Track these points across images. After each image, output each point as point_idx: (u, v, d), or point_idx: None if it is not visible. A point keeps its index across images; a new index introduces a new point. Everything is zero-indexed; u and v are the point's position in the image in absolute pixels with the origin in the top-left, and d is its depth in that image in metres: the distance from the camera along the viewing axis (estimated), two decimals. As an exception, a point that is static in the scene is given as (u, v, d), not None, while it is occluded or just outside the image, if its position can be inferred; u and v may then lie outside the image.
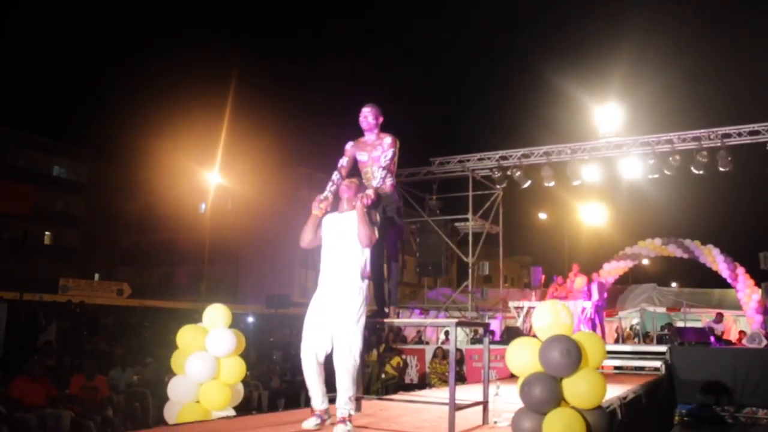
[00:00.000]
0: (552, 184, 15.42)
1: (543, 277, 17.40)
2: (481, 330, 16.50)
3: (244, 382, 6.28)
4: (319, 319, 4.70)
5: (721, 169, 14.04)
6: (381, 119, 5.51)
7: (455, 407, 5.00)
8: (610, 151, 14.96)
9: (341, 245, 4.79)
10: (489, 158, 15.92)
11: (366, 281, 4.83)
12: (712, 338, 13.57)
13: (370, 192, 4.99)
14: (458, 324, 5.59)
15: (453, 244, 16.62)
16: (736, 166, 14.03)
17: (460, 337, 17.32)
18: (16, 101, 49.56)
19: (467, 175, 16.20)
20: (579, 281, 16.10)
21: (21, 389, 8.17)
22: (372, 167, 5.46)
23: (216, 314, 5.92)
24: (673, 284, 24.10)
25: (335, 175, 5.44)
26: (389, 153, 5.42)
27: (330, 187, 5.32)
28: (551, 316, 4.86)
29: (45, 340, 12.32)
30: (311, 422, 4.68)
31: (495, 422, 5.51)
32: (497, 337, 16.77)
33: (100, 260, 40.65)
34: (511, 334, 15.70)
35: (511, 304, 16.57)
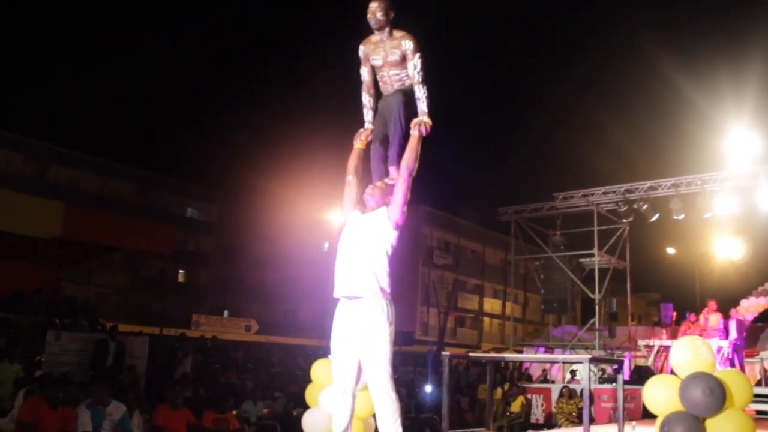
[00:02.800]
0: (681, 216, 14.84)
1: (674, 314, 16.67)
2: (609, 369, 16.02)
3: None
4: (347, 351, 4.38)
5: None
6: (393, 14, 4.80)
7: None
8: (745, 181, 14.25)
9: (362, 250, 4.40)
10: (614, 192, 15.55)
11: (388, 296, 4.38)
12: None
13: (426, 119, 4.66)
14: (591, 361, 5.51)
15: (578, 280, 16.22)
16: None
17: (592, 377, 16.82)
18: (152, 145, 53.10)
19: (592, 209, 15.87)
20: (714, 318, 15.30)
21: (164, 418, 8.66)
22: (388, 72, 4.89)
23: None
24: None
25: (365, 98, 5.04)
26: (418, 62, 4.76)
27: (366, 116, 5.03)
28: (690, 352, 4.71)
29: (182, 373, 12.97)
30: None
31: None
32: (626, 377, 16.17)
33: (229, 297, 42.44)
34: (641, 373, 15.12)
35: (641, 342, 15.98)
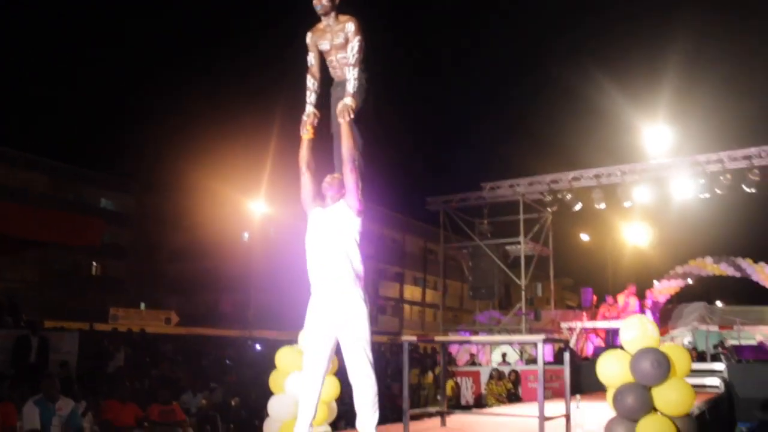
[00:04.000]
0: (603, 206, 15.62)
1: (595, 297, 17.52)
2: (532, 351, 16.69)
3: (339, 399, 6.58)
4: (321, 337, 4.46)
5: (774, 186, 14.13)
6: None
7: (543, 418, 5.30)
8: (661, 172, 15.13)
9: (331, 244, 4.50)
10: (539, 182, 16.17)
11: (363, 282, 4.53)
12: (770, 355, 13.59)
13: (349, 101, 4.70)
14: (545, 341, 5.86)
15: (505, 267, 16.80)
16: (788, 183, 14.09)
17: (513, 358, 17.47)
18: (63, 135, 51.12)
19: (518, 199, 16.44)
20: (632, 301, 16.23)
21: (113, 412, 8.59)
22: (336, 56, 4.96)
23: (312, 336, 6.26)
24: (718, 302, 23.97)
25: (309, 81, 5.04)
26: (356, 44, 4.83)
27: (308, 98, 5.01)
28: (639, 330, 5.16)
29: (116, 367, 12.79)
30: None
31: (578, 432, 5.81)
32: (549, 358, 16.90)
33: (147, 289, 41.49)
34: (563, 355, 15.85)
35: (563, 325, 16.71)
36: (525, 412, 8.53)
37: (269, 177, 30.80)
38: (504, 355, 17.23)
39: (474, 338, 11.87)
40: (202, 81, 61.49)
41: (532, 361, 15.84)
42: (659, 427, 4.78)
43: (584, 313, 17.22)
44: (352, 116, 4.70)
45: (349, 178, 4.57)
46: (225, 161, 45.23)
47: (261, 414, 12.30)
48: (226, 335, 28.04)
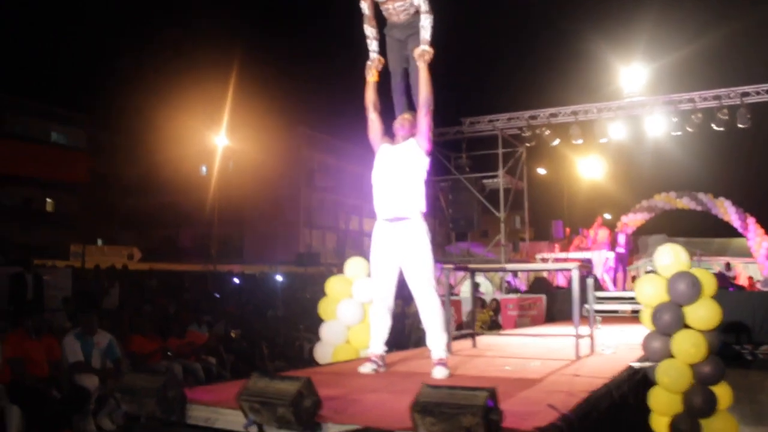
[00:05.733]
0: (580, 141, 16.19)
1: (568, 229, 18.32)
2: (511, 281, 17.49)
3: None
4: (388, 266, 4.77)
5: (740, 125, 14.87)
6: None
7: (577, 336, 5.87)
8: (635, 110, 15.73)
9: (400, 177, 4.74)
10: (518, 118, 16.60)
11: (425, 216, 4.78)
12: (726, 283, 14.62)
13: (428, 48, 4.88)
14: (579, 268, 6.36)
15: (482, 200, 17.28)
16: (754, 123, 14.85)
17: (490, 289, 18.25)
18: (9, 66, 48.88)
19: (496, 134, 16.86)
20: (602, 233, 17.06)
21: (138, 344, 8.87)
22: (393, 5, 5.08)
23: (358, 266, 6.64)
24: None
25: (367, 30, 5.17)
26: None
27: (370, 45, 5.16)
28: (672, 256, 5.73)
29: (117, 303, 12.91)
30: (368, 367, 4.76)
31: (602, 350, 6.41)
32: (524, 288, 17.71)
33: (102, 225, 40.83)
34: (540, 284, 16.65)
35: (538, 256, 17.48)
36: (542, 332, 9.20)
37: (227, 108, 30.30)
38: (477, 285, 17.92)
39: (510, 266, 12.39)
40: (157, 14, 59.23)
41: (512, 291, 16.62)
42: (693, 340, 5.36)
43: (556, 245, 17.99)
44: (429, 60, 4.90)
45: (423, 121, 4.83)
46: (181, 93, 44.32)
47: (261, 344, 12.78)
48: (189, 270, 28.06)
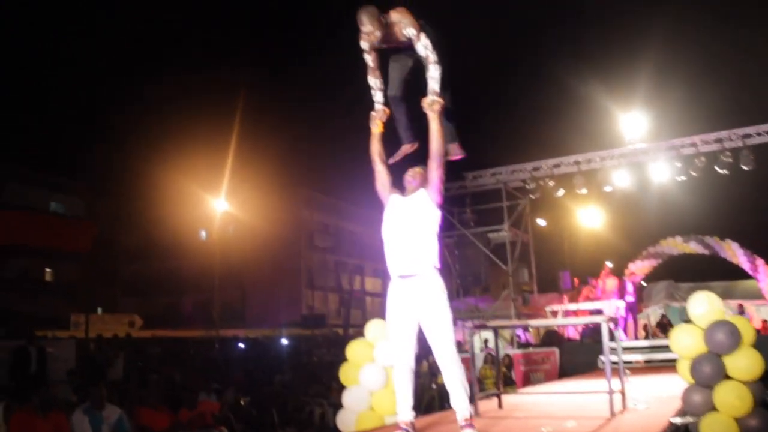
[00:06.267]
0: (584, 191, 16.13)
1: (576, 280, 18.08)
2: (521, 335, 17.16)
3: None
4: (405, 326, 4.58)
5: (744, 167, 14.83)
6: (383, 18, 4.78)
7: (611, 392, 5.61)
8: (638, 157, 15.71)
9: (412, 230, 4.58)
10: (521, 170, 16.58)
11: (439, 271, 4.62)
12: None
13: (438, 99, 4.71)
14: (609, 321, 6.16)
15: (489, 254, 17.17)
16: (758, 164, 14.81)
17: (499, 344, 17.84)
18: (8, 135, 49.09)
19: (500, 187, 16.82)
20: (611, 282, 16.81)
21: (147, 418, 8.58)
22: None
23: (379, 328, 6.44)
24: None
25: (372, 81, 5.02)
26: (426, 42, 4.76)
27: (375, 96, 5.00)
28: (708, 304, 5.55)
29: (123, 375, 12.62)
30: None
31: (635, 405, 6.15)
32: (527, 340, 17.41)
33: (103, 293, 40.51)
34: (551, 337, 16.37)
35: (547, 308, 17.20)
36: (566, 389, 8.91)
37: (226, 172, 30.37)
38: (486, 341, 17.63)
39: (534, 321, 12.04)
40: (155, 78, 59.96)
41: (522, 345, 16.32)
42: (737, 392, 5.14)
43: (565, 296, 17.75)
44: (440, 110, 4.72)
45: (435, 173, 4.66)
46: (179, 158, 44.47)
47: (271, 411, 12.44)
48: (191, 336, 27.64)
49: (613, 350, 6.53)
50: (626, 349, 11.53)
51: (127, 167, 43.77)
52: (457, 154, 5.30)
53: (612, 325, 6.43)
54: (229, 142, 34.02)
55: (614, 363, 6.20)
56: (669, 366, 12.14)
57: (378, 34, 4.74)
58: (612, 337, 6.48)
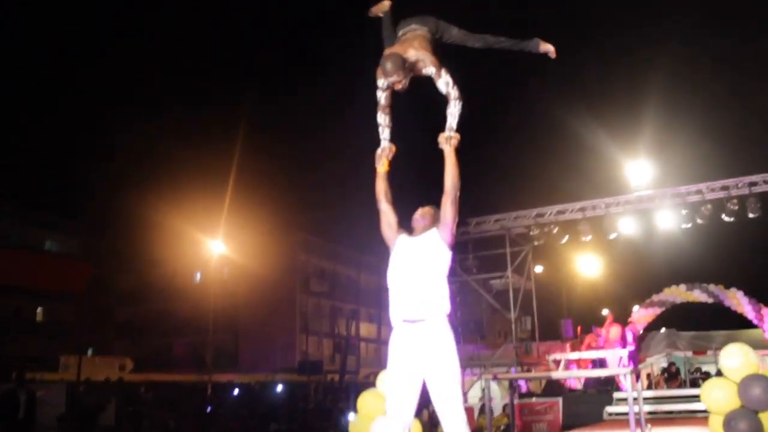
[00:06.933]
0: (589, 238, 15.95)
1: (579, 328, 17.76)
2: (522, 385, 16.76)
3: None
4: (408, 376, 4.18)
5: (751, 215, 14.70)
6: (407, 61, 4.58)
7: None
8: (644, 204, 15.58)
9: (421, 274, 4.25)
10: (525, 216, 16.41)
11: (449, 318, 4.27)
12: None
13: (455, 135, 4.51)
14: (632, 372, 5.92)
15: (491, 301, 16.92)
16: (765, 212, 14.68)
17: (495, 393, 17.45)
18: (3, 173, 48.88)
19: (503, 233, 16.63)
20: (614, 331, 16.50)
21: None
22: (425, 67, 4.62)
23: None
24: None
25: (381, 118, 4.81)
26: (448, 79, 4.62)
27: (382, 133, 4.79)
28: (741, 357, 5.29)
29: (115, 420, 12.22)
30: None
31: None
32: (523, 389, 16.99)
33: (95, 334, 39.93)
34: (553, 386, 15.98)
35: (549, 357, 16.83)
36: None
37: (221, 216, 30.16)
38: (483, 390, 17.23)
39: (556, 374, 11.68)
40: (154, 119, 60.09)
41: (524, 395, 15.91)
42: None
43: (567, 345, 17.41)
44: (456, 145, 4.49)
45: (449, 211, 4.36)
46: (177, 200, 44.36)
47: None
48: (182, 380, 27.10)
49: (635, 400, 6.25)
50: (646, 400, 11.15)
51: (124, 207, 43.65)
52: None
53: (634, 377, 6.18)
54: (227, 185, 33.97)
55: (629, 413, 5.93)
56: (688, 417, 11.80)
57: (406, 82, 4.55)
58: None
